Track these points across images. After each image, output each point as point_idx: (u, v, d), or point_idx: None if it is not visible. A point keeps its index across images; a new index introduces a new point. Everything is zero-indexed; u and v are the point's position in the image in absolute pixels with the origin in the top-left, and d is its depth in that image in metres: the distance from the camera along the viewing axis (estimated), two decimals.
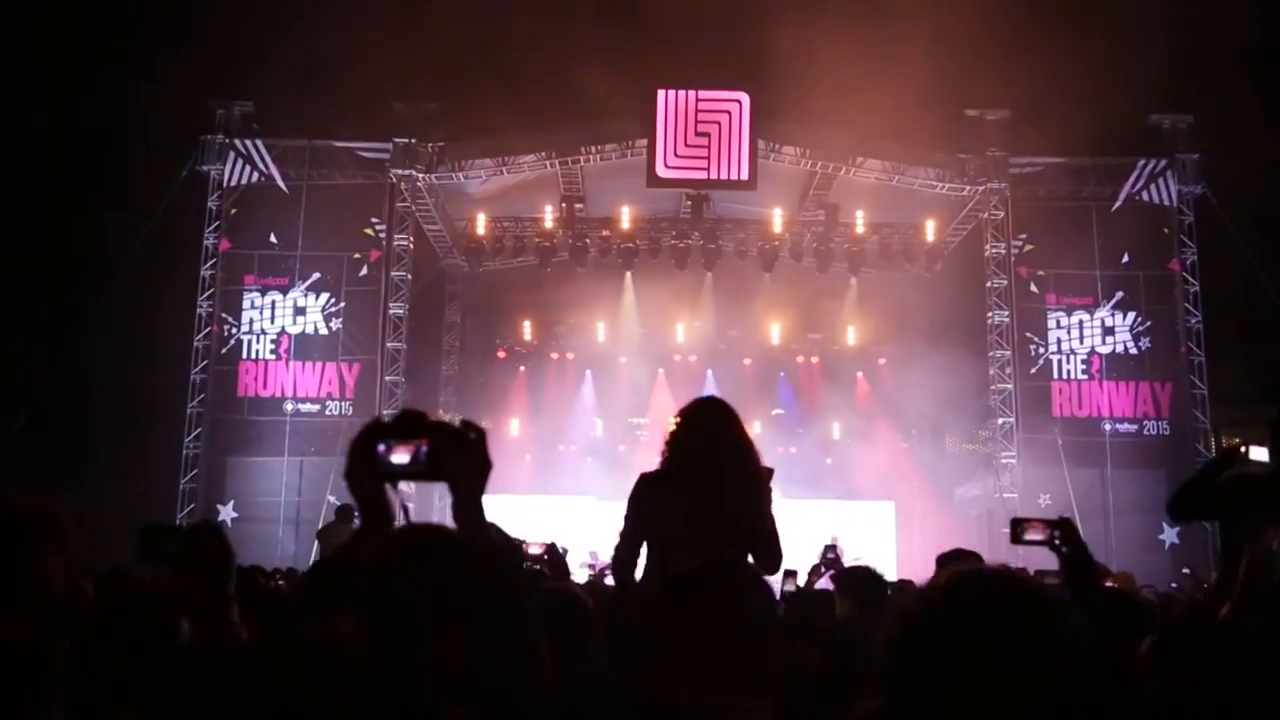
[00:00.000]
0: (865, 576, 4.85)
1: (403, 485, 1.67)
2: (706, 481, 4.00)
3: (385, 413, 14.37)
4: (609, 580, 8.09)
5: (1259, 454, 4.37)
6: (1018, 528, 2.93)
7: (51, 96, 15.79)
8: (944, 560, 4.25)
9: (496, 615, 1.58)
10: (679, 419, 4.16)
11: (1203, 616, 2.88)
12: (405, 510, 1.68)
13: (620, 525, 4.16)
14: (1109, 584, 5.63)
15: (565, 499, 17.28)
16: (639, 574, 4.25)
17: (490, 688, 1.64)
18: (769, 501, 4.08)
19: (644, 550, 4.19)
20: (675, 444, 4.12)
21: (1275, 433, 4.25)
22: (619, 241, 17.87)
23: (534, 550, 4.49)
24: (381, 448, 1.63)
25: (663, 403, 18.35)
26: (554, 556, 4.58)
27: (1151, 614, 3.31)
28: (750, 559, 4.17)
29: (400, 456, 1.62)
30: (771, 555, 4.08)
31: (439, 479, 1.61)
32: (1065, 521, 2.89)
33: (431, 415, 1.64)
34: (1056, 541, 2.86)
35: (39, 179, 15.62)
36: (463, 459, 1.60)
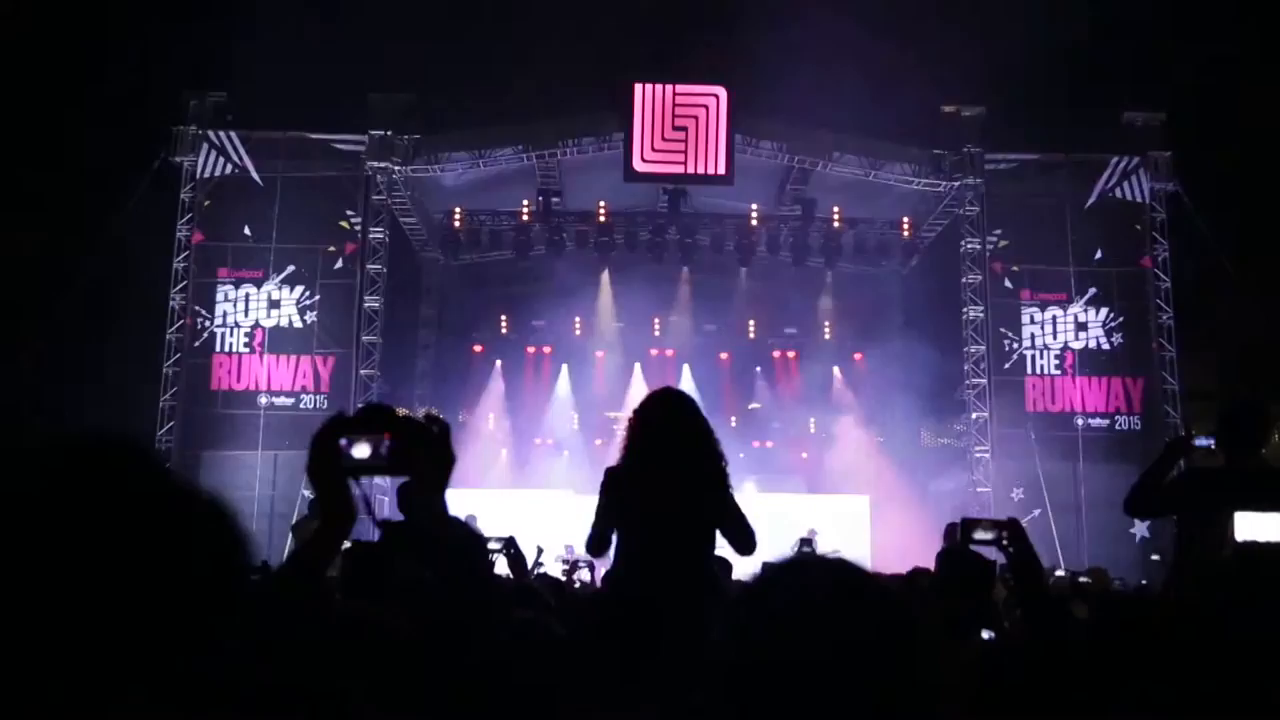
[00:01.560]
0: None
1: (380, 479, 1.65)
2: (668, 473, 4.03)
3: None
4: (584, 574, 8.10)
5: (1203, 441, 4.47)
6: (968, 528, 2.97)
7: (20, 85, 15.58)
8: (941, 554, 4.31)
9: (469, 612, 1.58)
10: (637, 413, 4.19)
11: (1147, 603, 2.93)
12: (368, 505, 1.67)
13: (592, 519, 4.18)
14: (1081, 579, 5.72)
15: (541, 493, 17.24)
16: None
17: (460, 686, 1.63)
18: (730, 487, 4.11)
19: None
20: (635, 438, 4.14)
21: (1223, 426, 4.36)
22: (596, 235, 17.84)
23: (493, 545, 4.45)
24: (343, 442, 1.61)
25: (639, 397, 18.30)
26: (512, 552, 4.56)
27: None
28: (725, 542, 4.20)
29: (362, 451, 1.60)
30: (744, 535, 4.08)
31: (401, 474, 1.60)
32: (1013, 523, 2.94)
33: (395, 409, 1.63)
34: (1004, 542, 2.90)
35: (3, 167, 15.40)
36: (425, 454, 1.59)
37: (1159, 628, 2.00)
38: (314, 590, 1.72)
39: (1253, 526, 2.41)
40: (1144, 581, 12.26)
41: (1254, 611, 2.16)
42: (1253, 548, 2.42)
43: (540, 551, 9.85)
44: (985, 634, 3.59)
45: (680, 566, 3.92)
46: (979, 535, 2.94)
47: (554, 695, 2.24)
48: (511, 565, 4.55)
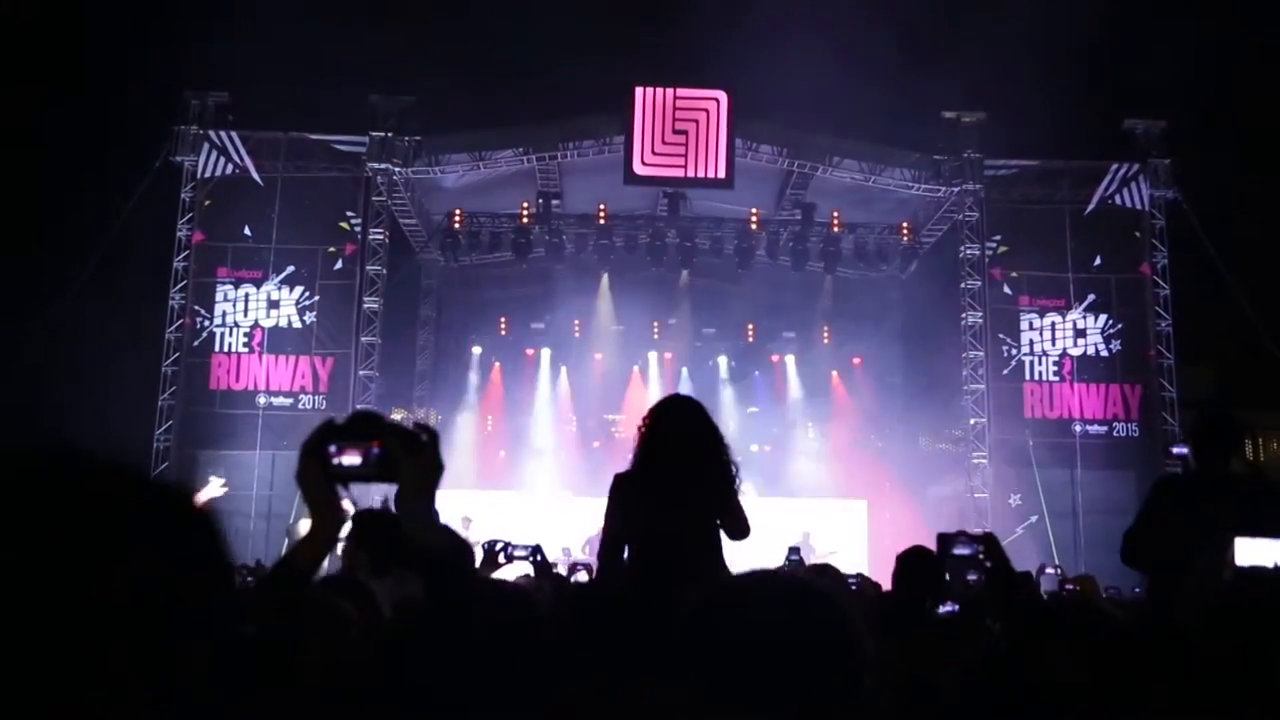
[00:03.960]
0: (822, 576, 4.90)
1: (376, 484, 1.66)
2: (678, 479, 4.05)
3: (338, 414, 14.28)
4: (581, 576, 8.08)
5: (1179, 449, 4.54)
6: (944, 543, 3.00)
7: (22, 84, 15.60)
8: (909, 553, 4.33)
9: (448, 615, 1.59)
10: (648, 418, 4.21)
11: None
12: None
13: (601, 525, 4.21)
14: (1068, 586, 5.76)
15: (539, 495, 17.26)
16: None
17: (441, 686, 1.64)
18: (736, 488, 4.15)
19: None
20: (646, 443, 4.17)
21: (1195, 434, 4.39)
22: (595, 238, 17.86)
23: (519, 553, 4.50)
24: (332, 449, 1.62)
25: (638, 399, 18.35)
26: (540, 559, 4.60)
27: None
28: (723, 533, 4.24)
29: (351, 458, 1.61)
30: (739, 526, 4.16)
31: (389, 481, 1.61)
32: (989, 536, 2.98)
33: (384, 416, 1.64)
34: (980, 556, 2.93)
35: (6, 167, 15.42)
36: (414, 462, 1.60)
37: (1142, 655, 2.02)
38: (301, 594, 1.74)
39: (1250, 550, 2.42)
40: (1136, 589, 12.24)
41: (1250, 641, 2.16)
42: (1251, 573, 2.42)
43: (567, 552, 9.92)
44: (945, 608, 3.74)
45: (687, 572, 3.94)
46: (957, 550, 2.98)
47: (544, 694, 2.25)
48: (538, 571, 4.59)
